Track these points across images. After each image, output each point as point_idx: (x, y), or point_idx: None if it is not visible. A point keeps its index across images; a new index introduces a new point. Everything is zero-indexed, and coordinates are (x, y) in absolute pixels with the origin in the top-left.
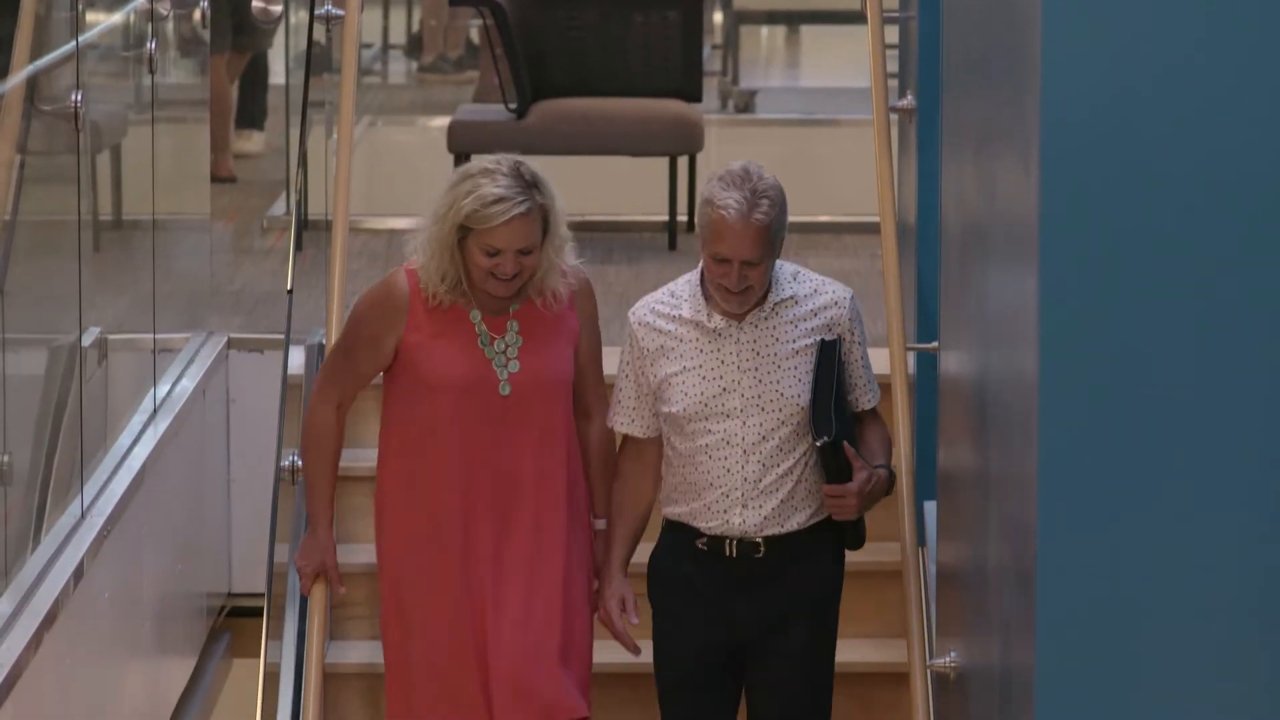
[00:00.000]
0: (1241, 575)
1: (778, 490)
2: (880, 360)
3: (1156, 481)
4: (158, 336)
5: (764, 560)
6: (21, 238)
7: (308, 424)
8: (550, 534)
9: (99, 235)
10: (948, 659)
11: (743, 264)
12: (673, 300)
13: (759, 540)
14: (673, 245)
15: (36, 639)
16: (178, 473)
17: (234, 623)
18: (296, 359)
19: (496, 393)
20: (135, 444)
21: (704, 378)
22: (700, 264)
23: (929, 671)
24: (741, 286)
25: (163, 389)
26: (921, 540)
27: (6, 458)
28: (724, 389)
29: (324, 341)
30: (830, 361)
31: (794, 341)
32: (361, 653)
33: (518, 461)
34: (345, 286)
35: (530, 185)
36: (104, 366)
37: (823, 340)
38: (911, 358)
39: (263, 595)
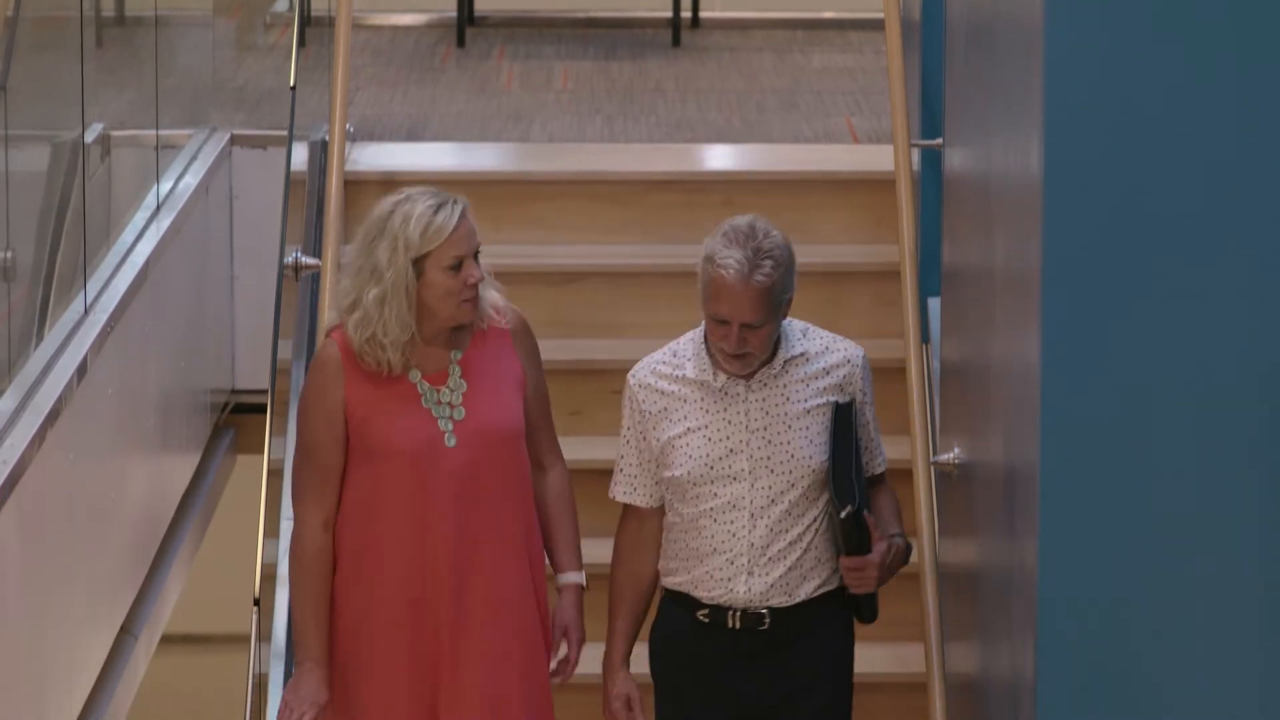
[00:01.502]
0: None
1: (785, 557)
2: (884, 157)
3: (1163, 274)
4: (160, 133)
5: (769, 633)
6: (24, 34)
7: (294, 551)
8: (510, 594)
9: (101, 31)
10: (951, 455)
11: (743, 326)
12: (674, 360)
13: (764, 611)
14: (676, 42)
15: (40, 436)
16: (181, 269)
17: (237, 419)
18: (300, 155)
19: (443, 447)
20: (138, 241)
21: (709, 439)
22: (703, 323)
23: (932, 468)
24: (740, 350)
25: (166, 186)
26: (925, 337)
27: (9, 254)
28: (731, 450)
29: (326, 139)
30: (848, 425)
31: (805, 401)
32: None
33: (471, 519)
34: (348, 83)
35: (444, 192)
36: (107, 163)
37: (838, 404)
38: (916, 154)
39: (266, 392)
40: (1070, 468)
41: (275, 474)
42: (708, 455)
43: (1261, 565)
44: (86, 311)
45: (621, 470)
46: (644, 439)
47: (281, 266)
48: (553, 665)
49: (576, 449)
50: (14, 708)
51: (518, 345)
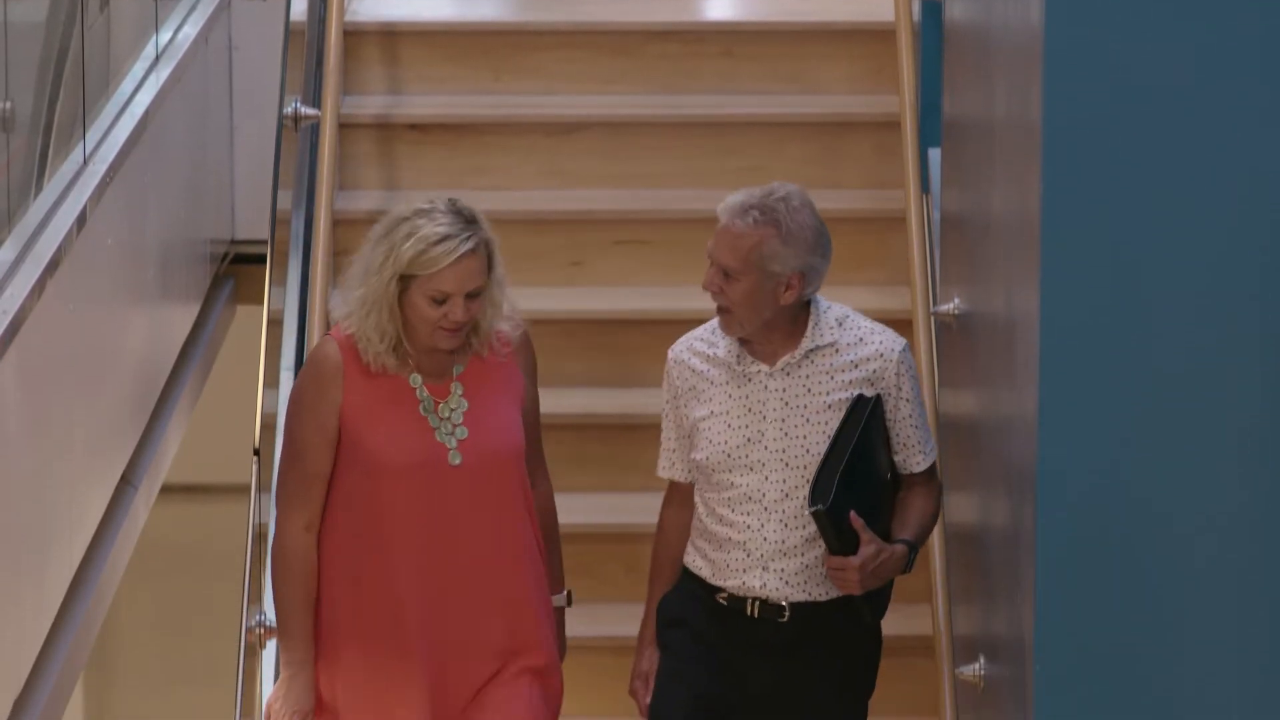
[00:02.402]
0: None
1: (802, 554)
2: (884, 7)
3: (1166, 124)
4: None
5: (788, 627)
6: None
7: (276, 552)
8: (523, 619)
9: None
10: (951, 305)
11: (722, 270)
12: (712, 337)
13: (785, 606)
14: None
15: (40, 286)
16: (180, 120)
17: (238, 269)
18: (299, 5)
19: (446, 465)
20: (137, 91)
21: (730, 425)
22: None
23: (932, 318)
24: (718, 297)
25: (165, 36)
26: (926, 188)
27: (8, 105)
28: (748, 439)
29: None
30: (856, 421)
31: (828, 394)
32: None
33: (478, 539)
34: None
35: (471, 221)
36: (106, 13)
37: (860, 396)
38: (916, 4)
39: (266, 242)
40: (1070, 318)
41: (275, 324)
42: (726, 442)
43: (1261, 418)
44: (85, 162)
45: (664, 446)
46: (679, 414)
47: (281, 117)
48: None
49: (577, 299)
50: (14, 558)
51: (520, 360)
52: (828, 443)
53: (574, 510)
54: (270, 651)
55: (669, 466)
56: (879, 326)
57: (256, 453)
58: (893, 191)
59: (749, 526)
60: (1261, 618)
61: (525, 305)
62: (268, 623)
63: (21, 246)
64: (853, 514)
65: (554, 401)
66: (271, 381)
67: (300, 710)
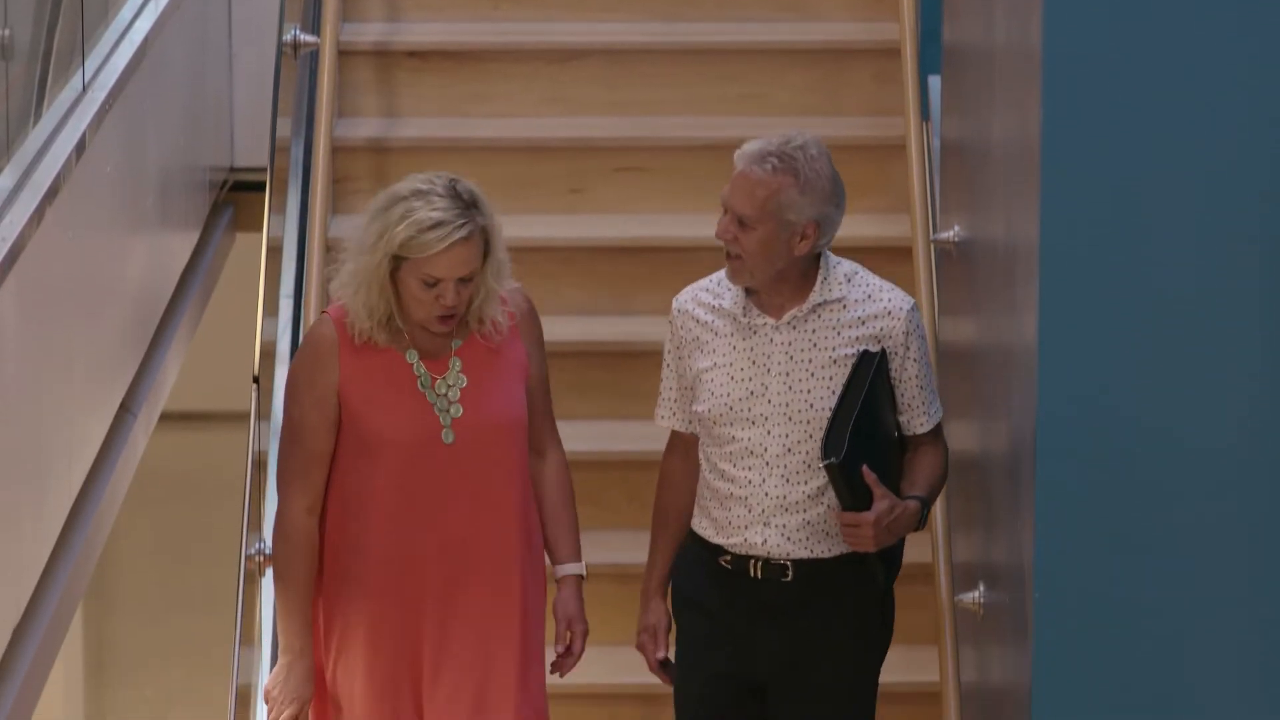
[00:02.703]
0: None
1: (804, 510)
2: None
3: (1168, 51)
4: None
5: (792, 587)
6: None
7: (277, 536)
8: (504, 602)
9: None
10: (951, 233)
11: (734, 217)
12: (717, 288)
13: (787, 564)
14: None
15: (39, 214)
16: (179, 47)
17: (237, 197)
18: None
19: (440, 443)
20: (136, 18)
21: (732, 377)
22: None
23: (932, 245)
24: (731, 246)
25: None
26: (926, 115)
27: (7, 32)
28: (751, 392)
29: None
30: (864, 375)
31: (834, 349)
32: None
33: (466, 521)
34: None
35: (469, 205)
36: None
37: (865, 351)
38: None
39: (265, 170)
40: (1070, 244)
41: (274, 251)
42: (729, 394)
43: (1261, 343)
44: (84, 89)
45: (662, 395)
46: (681, 364)
47: (280, 44)
48: (553, 659)
49: (576, 227)
50: (13, 486)
51: (524, 330)
52: (832, 398)
53: (575, 438)
54: (269, 578)
55: (668, 415)
56: (888, 285)
57: (256, 380)
58: (893, 119)
59: (750, 481)
60: (1265, 536)
61: (525, 233)
62: (267, 550)
63: (20, 174)
64: (865, 468)
65: (554, 329)
66: (271, 309)
67: (299, 699)
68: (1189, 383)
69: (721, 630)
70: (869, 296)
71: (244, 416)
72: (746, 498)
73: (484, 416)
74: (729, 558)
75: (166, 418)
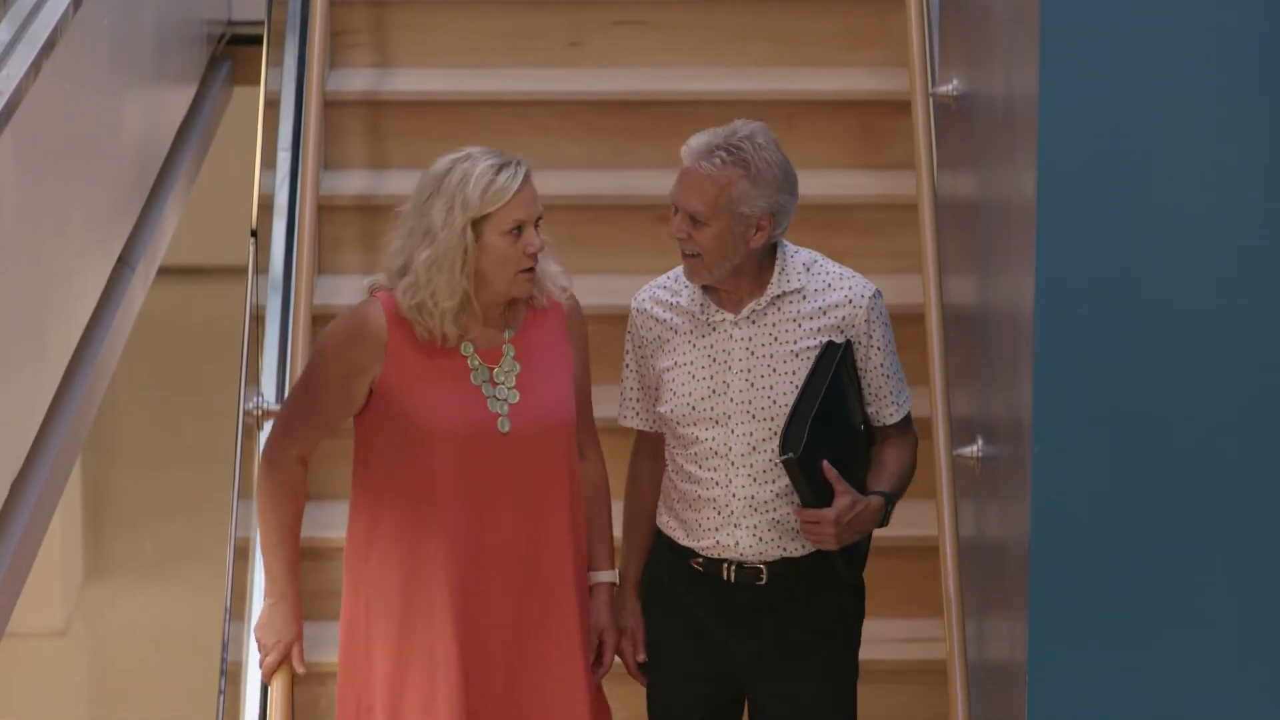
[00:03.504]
0: None
1: (773, 509)
2: None
3: None
4: None
5: (766, 589)
6: None
7: (263, 476)
8: (562, 604)
9: None
10: (950, 87)
11: (686, 215)
12: (674, 285)
13: (761, 567)
14: None
15: (36, 66)
16: None
17: (234, 50)
18: None
19: (496, 432)
20: None
21: (694, 376)
22: None
23: (931, 99)
24: (686, 246)
25: None
26: None
27: None
28: (713, 390)
29: None
30: (826, 367)
31: (795, 342)
32: (362, 80)
33: (528, 515)
34: None
35: (507, 153)
36: None
37: (829, 342)
38: None
39: (262, 23)
40: (1069, 98)
41: (271, 105)
42: (691, 394)
43: (1261, 206)
44: None
45: (624, 395)
46: (642, 365)
47: None
48: None
49: (575, 81)
50: (11, 339)
51: (571, 329)
52: (796, 393)
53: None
54: (268, 432)
55: (631, 415)
56: (848, 271)
57: (254, 234)
58: None
59: (717, 482)
60: (1262, 392)
61: (523, 87)
62: (265, 404)
63: (17, 27)
64: (825, 464)
65: (551, 183)
66: (269, 163)
67: (283, 641)
68: (1188, 241)
69: (695, 633)
70: (829, 285)
71: (242, 270)
72: (715, 499)
73: (540, 405)
74: (700, 560)
75: (164, 271)
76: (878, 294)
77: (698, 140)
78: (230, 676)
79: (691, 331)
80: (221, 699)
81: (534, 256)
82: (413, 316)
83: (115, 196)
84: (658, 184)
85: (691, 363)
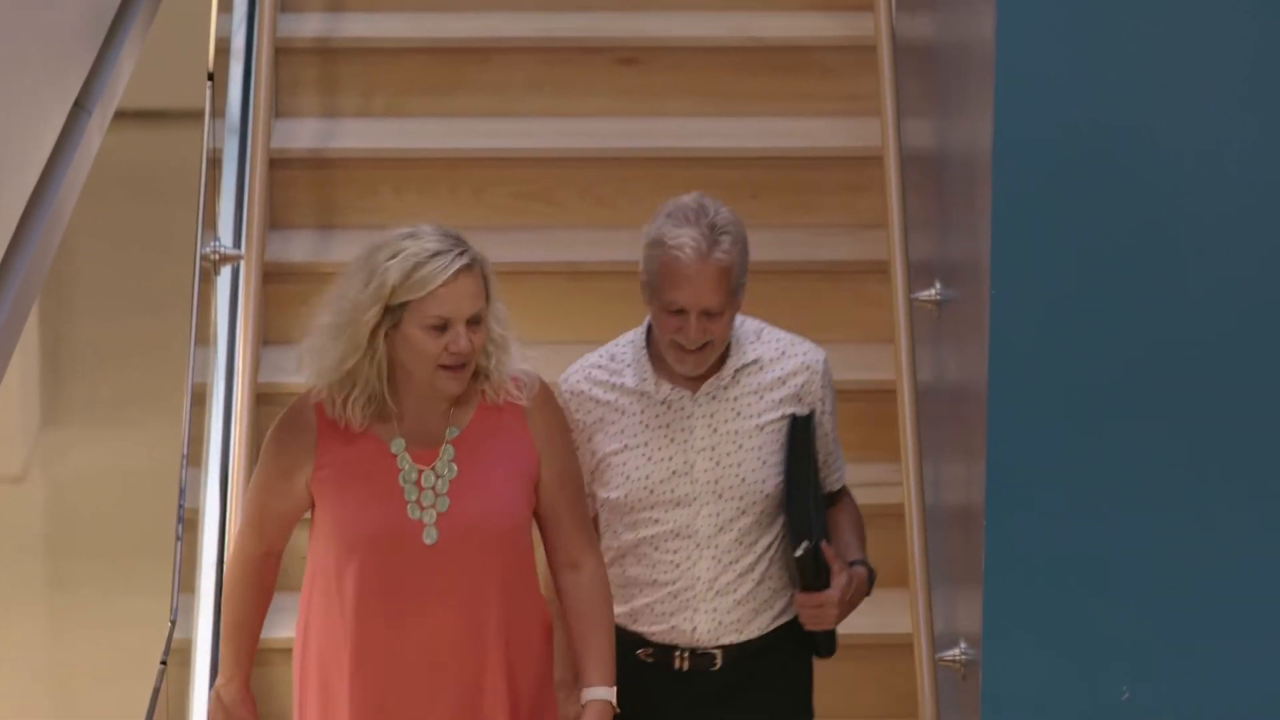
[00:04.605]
0: None
1: (736, 590)
2: None
3: None
4: None
5: (720, 674)
6: None
7: (226, 568)
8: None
9: None
10: None
11: (702, 314)
12: (612, 365)
13: (715, 650)
14: None
15: None
16: None
17: None
18: None
19: (419, 543)
20: None
21: (650, 458)
22: (644, 323)
23: None
24: (700, 342)
25: None
26: None
27: None
28: (674, 472)
29: None
30: (806, 445)
31: (758, 416)
32: (314, 25)
33: (455, 626)
34: None
35: (460, 240)
36: None
37: (794, 416)
38: None
39: None
40: None
41: (223, 54)
42: (648, 476)
43: (1227, 71)
44: None
45: None
46: (577, 450)
47: None
48: None
49: None
50: None
51: (532, 423)
52: (763, 468)
53: (528, 135)
54: (225, 277)
55: None
56: (794, 337)
57: (210, 77)
58: None
59: (677, 565)
60: (1226, 220)
61: None
62: (222, 249)
63: None
64: (824, 545)
65: (509, 25)
66: (225, 5)
67: (232, 717)
68: (1149, 82)
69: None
70: (782, 353)
71: (199, 114)
72: (673, 582)
73: (472, 511)
74: (650, 650)
75: (121, 115)
76: (827, 356)
77: (686, 236)
78: (188, 523)
79: (643, 412)
80: (179, 545)
81: (461, 356)
82: (323, 396)
83: (71, 38)
84: (621, 25)
85: (646, 444)
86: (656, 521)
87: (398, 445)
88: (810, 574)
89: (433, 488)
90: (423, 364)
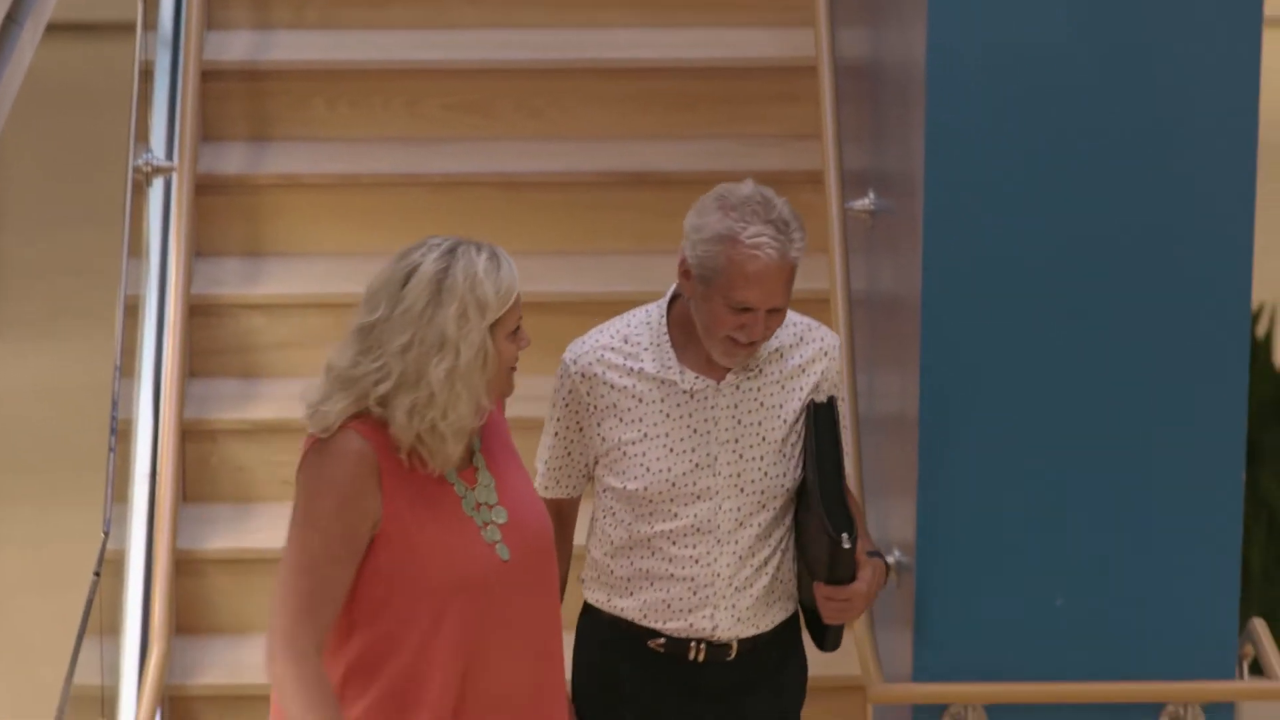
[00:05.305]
0: None
1: (752, 585)
2: None
3: None
4: None
5: (732, 667)
6: None
7: (290, 676)
8: None
9: None
10: None
11: (769, 311)
12: (627, 347)
13: (732, 643)
14: None
15: None
16: None
17: None
18: None
19: (499, 564)
20: None
21: (671, 450)
22: (662, 302)
23: None
24: (764, 337)
25: None
26: None
27: None
28: (696, 465)
29: None
30: (834, 431)
31: (781, 406)
32: None
33: (528, 656)
34: None
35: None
36: None
37: (815, 405)
38: None
39: None
40: None
41: None
42: (670, 469)
43: None
44: None
45: (547, 463)
46: (581, 432)
47: None
48: None
49: None
50: None
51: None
52: (785, 462)
53: (462, 47)
54: (157, 189)
55: (555, 486)
56: (808, 319)
57: None
58: None
59: (696, 560)
60: (1146, 141)
61: None
62: (154, 161)
63: None
64: (846, 535)
65: None
66: None
67: None
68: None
69: (631, 714)
70: (800, 339)
71: (131, 26)
72: (693, 578)
73: (528, 518)
74: (662, 640)
75: (53, 28)
76: (839, 342)
77: (765, 236)
78: (120, 434)
79: (663, 400)
80: (112, 456)
81: (524, 347)
82: (411, 442)
83: None
84: None
85: (667, 435)
86: (675, 515)
87: (451, 474)
88: (845, 566)
89: (487, 504)
90: (506, 373)
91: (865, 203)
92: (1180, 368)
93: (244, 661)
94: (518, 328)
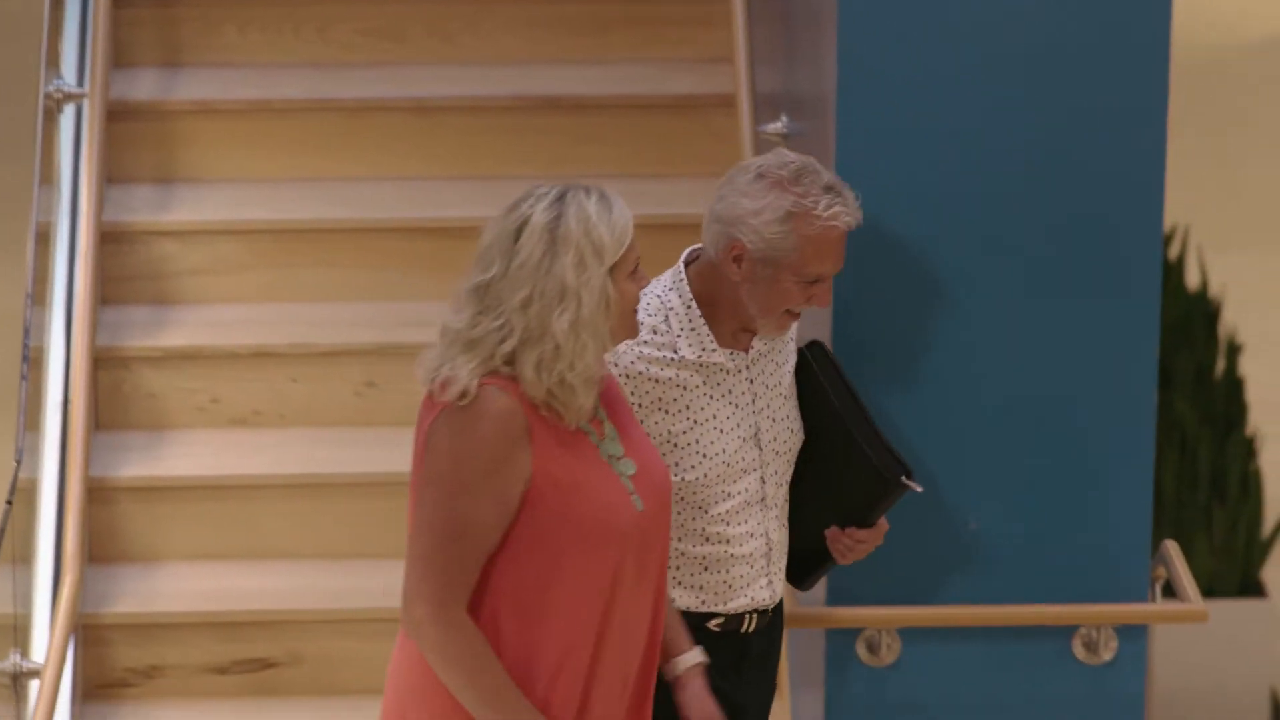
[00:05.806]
0: None
1: (785, 545)
2: None
3: None
4: None
5: (770, 628)
6: None
7: (450, 643)
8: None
9: None
10: None
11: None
12: (659, 339)
13: (769, 609)
14: None
15: None
16: None
17: None
18: None
19: (634, 514)
20: None
21: (721, 430)
22: (679, 277)
23: None
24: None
25: None
26: None
27: None
28: (744, 440)
29: None
30: (836, 370)
31: (786, 363)
32: None
33: (649, 607)
34: None
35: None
36: None
37: (810, 346)
38: None
39: None
40: None
41: None
42: (724, 450)
43: None
44: None
45: None
46: None
47: None
48: None
49: None
50: None
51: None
52: (797, 419)
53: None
54: (69, 116)
55: None
56: None
57: None
58: None
59: (752, 535)
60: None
61: None
62: (65, 87)
63: None
64: (906, 477)
65: None
66: None
67: None
68: None
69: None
70: None
71: None
72: (750, 554)
73: (653, 467)
74: (720, 620)
75: None
76: None
77: (839, 207)
78: (33, 362)
79: (704, 383)
80: (24, 384)
81: (642, 287)
82: (543, 398)
83: None
84: None
85: (714, 416)
86: (729, 495)
87: (584, 424)
88: (886, 508)
89: (615, 456)
90: (630, 314)
91: (778, 126)
92: (1092, 290)
93: (157, 590)
94: (636, 266)
